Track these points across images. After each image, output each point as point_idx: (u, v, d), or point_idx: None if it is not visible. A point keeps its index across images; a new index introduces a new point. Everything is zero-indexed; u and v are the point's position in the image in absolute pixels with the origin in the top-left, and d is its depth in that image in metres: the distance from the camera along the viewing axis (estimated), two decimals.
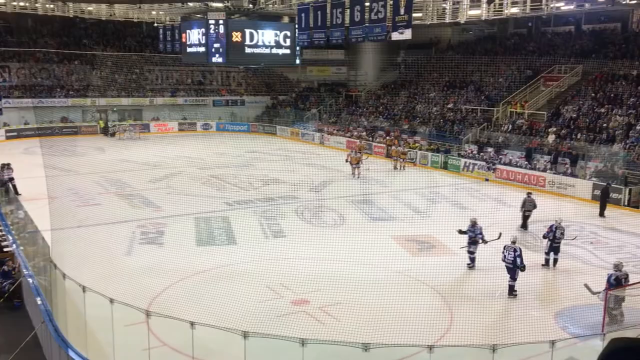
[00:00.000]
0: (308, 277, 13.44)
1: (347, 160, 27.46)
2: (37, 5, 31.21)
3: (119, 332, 9.59)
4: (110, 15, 32.55)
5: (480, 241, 14.86)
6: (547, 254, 15.64)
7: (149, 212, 20.76)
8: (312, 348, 7.96)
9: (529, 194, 19.76)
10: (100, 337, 10.36)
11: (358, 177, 26.99)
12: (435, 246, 17.09)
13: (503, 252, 13.65)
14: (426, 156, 32.15)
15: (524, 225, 19.22)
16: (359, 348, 8.05)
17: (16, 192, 21.57)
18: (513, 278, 13.40)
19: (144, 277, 13.90)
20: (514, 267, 13.35)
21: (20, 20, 41.46)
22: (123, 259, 15.65)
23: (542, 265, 15.61)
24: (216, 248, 16.63)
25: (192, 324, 8.47)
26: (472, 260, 15.20)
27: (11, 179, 22.09)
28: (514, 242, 13.69)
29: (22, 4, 31.70)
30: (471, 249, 15.10)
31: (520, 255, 13.31)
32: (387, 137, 36.48)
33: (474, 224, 15.19)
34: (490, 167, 28.12)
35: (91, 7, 31.83)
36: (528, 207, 19.25)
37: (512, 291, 13.44)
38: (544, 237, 15.74)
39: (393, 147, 32.17)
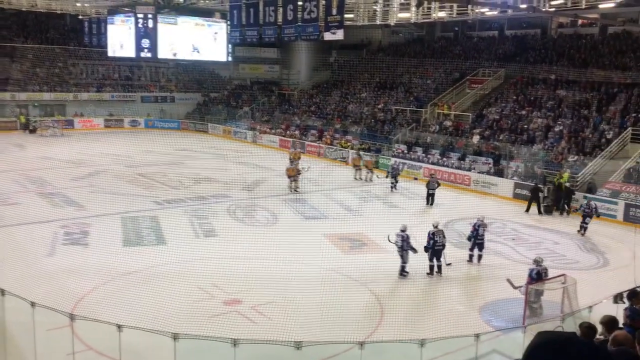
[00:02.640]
0: (240, 277, 13.31)
1: (352, 164, 28.03)
2: None
3: (41, 337, 9.23)
4: (32, 6, 31.01)
5: (410, 251, 14.97)
6: (471, 250, 16.15)
7: (72, 211, 20.15)
8: (243, 348, 7.90)
9: (432, 175, 24.03)
10: (21, 343, 9.99)
11: (360, 179, 27.41)
12: (367, 244, 17.28)
13: (433, 238, 14.78)
14: (358, 155, 32.31)
15: (429, 202, 22.90)
16: (291, 347, 8.06)
17: None
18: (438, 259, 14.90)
19: (67, 279, 13.41)
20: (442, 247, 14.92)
21: None
22: (45, 260, 15.06)
23: (467, 261, 16.12)
24: (144, 248, 16.25)
25: (119, 326, 8.24)
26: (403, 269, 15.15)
27: None
28: (436, 226, 15.16)
29: None
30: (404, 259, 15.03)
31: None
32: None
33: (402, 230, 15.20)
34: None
35: None
36: (432, 186, 23.11)
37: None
38: (469, 238, 16.25)
39: (354, 155, 30.56)
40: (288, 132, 38.87)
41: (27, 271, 13.87)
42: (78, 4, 31.09)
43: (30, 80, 43.21)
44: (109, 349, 9.34)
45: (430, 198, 23.10)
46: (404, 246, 14.64)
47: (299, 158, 28.60)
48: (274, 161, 28.54)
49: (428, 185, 23.38)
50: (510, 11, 23.70)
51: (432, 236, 14.91)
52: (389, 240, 14.86)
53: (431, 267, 14.97)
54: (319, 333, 10.32)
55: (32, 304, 8.85)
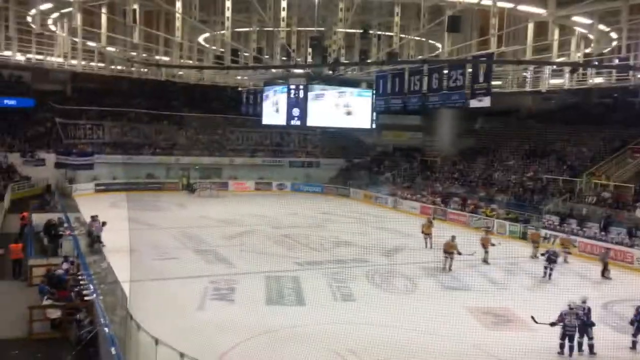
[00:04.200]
0: (377, 344, 13.04)
1: (422, 232, 26.49)
2: (132, 69, 32.41)
3: None
4: (199, 80, 33.25)
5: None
6: (635, 335, 14.59)
7: (222, 268, 20.97)
8: None
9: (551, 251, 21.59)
10: None
11: (431, 247, 25.77)
12: (512, 320, 16.25)
13: (563, 320, 13.95)
14: (504, 225, 30.99)
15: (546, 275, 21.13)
16: None
17: (100, 243, 22.11)
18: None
19: (214, 332, 13.95)
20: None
21: (117, 83, 43.19)
22: (195, 313, 15.78)
23: (630, 348, 14.52)
24: (285, 308, 16.58)
25: None
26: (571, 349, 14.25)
27: (98, 235, 22.42)
28: (584, 302, 14.34)
29: (119, 67, 33.09)
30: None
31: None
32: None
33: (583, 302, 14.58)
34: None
35: (182, 72, 32.77)
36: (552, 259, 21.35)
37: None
38: (631, 323, 14.81)
39: (533, 230, 27.92)
40: (430, 198, 37.60)
41: (180, 322, 14.53)
42: (238, 77, 32.90)
43: (193, 145, 45.71)
44: None
45: (548, 270, 21.43)
46: (586, 320, 13.95)
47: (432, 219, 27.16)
48: (414, 227, 27.53)
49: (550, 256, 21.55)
50: None
51: (563, 316, 14.08)
52: (535, 321, 14.06)
53: (561, 346, 14.14)
54: None
55: (182, 355, 9.34)
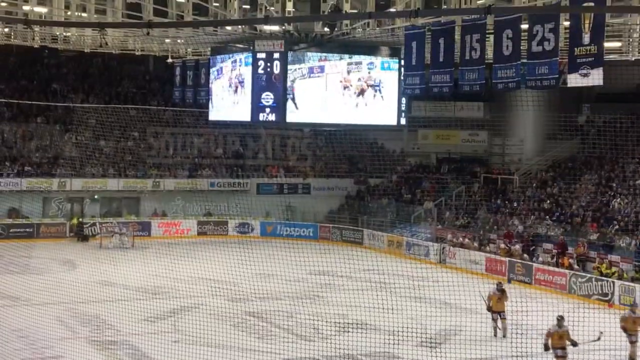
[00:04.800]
0: None
1: (488, 308, 21.62)
2: None
3: None
4: (99, 47, 27.62)
5: None
6: None
7: None
8: None
9: None
10: None
11: (504, 336, 21.12)
12: None
13: None
14: (632, 290, 25.09)
15: None
16: None
17: None
18: None
19: None
20: None
21: None
22: None
23: None
24: None
25: None
26: None
27: None
28: None
29: None
30: None
31: None
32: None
33: None
34: None
35: (68, 33, 26.97)
36: None
37: None
38: None
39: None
40: (503, 245, 30.46)
41: None
42: (167, 41, 27.95)
43: (88, 159, 36.47)
44: None
45: None
46: None
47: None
48: (476, 298, 22.04)
49: None
50: None
51: None
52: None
53: None
54: None
55: None
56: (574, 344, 17.16)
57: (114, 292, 25.42)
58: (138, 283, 26.70)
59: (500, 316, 19.98)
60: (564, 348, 17.64)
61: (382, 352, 19.10)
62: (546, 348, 17.34)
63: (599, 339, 17.13)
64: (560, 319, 17.35)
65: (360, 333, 20.87)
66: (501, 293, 21.59)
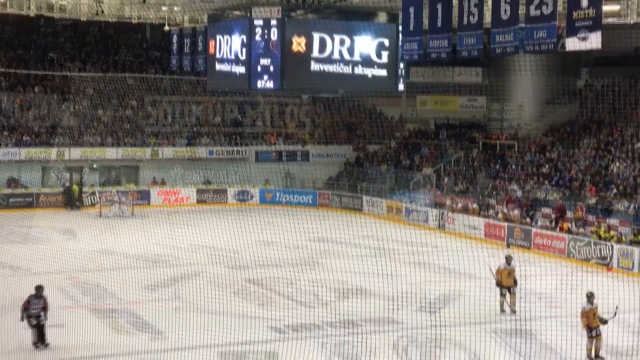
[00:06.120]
0: None
1: (497, 283, 20.77)
2: None
3: None
4: (95, 15, 28.64)
5: None
6: None
7: (145, 340, 17.71)
8: None
9: None
10: None
11: (513, 311, 20.53)
12: None
13: None
14: (631, 253, 25.32)
15: None
16: None
17: None
18: None
19: None
20: None
21: None
22: None
23: None
24: None
25: None
26: None
27: None
28: None
29: None
30: None
31: None
32: None
33: None
34: None
35: (64, 2, 28.07)
36: None
37: None
38: None
39: None
40: (502, 210, 30.48)
41: None
42: (164, 8, 28.74)
43: (87, 128, 36.58)
44: None
45: None
46: None
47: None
48: (475, 261, 22.14)
49: None
50: None
51: None
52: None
53: None
54: None
55: None
56: (603, 322, 16.97)
57: (114, 260, 25.79)
58: (138, 251, 27.00)
59: (509, 291, 19.65)
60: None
61: (382, 317, 19.33)
62: (590, 329, 16.72)
63: (615, 314, 17.02)
64: (590, 295, 17.05)
65: (360, 299, 21.15)
66: (509, 267, 21.09)
